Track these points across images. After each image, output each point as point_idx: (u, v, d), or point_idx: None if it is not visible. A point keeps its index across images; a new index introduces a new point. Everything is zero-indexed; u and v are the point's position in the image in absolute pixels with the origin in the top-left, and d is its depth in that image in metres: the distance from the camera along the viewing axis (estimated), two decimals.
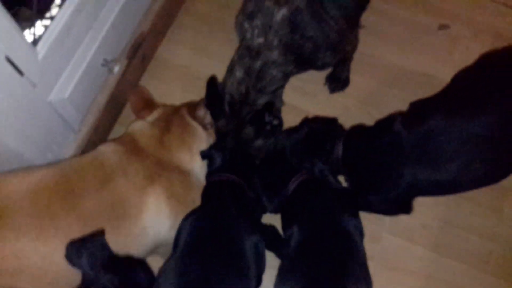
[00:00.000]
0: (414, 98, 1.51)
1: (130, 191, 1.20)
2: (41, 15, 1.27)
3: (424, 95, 1.51)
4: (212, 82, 1.52)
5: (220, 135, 1.55)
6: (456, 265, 1.65)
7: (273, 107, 1.53)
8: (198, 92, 1.66)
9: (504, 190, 1.74)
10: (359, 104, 1.88)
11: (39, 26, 1.27)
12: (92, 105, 1.61)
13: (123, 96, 1.79)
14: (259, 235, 1.27)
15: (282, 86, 1.55)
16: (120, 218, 1.18)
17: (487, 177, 1.38)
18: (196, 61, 1.97)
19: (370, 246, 1.67)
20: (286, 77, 1.53)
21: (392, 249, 1.68)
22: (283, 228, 1.43)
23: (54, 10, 1.31)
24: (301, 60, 1.50)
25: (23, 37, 1.16)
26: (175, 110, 1.49)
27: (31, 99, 1.29)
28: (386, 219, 1.71)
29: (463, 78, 1.49)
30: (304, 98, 1.88)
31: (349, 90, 1.90)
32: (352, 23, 1.60)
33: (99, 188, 1.18)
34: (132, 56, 1.72)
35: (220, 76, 1.74)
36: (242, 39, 1.50)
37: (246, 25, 1.47)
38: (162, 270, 1.18)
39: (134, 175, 1.22)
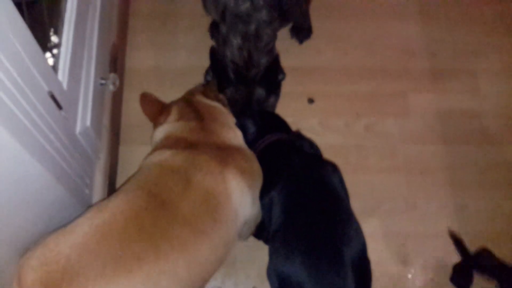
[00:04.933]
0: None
1: (212, 180, 1.20)
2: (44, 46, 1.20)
3: None
4: (213, 53, 1.54)
5: (233, 103, 1.58)
6: (464, 148, 1.87)
7: (279, 62, 1.60)
8: (180, 85, 1.73)
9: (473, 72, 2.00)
10: (328, 42, 2.01)
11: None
12: (102, 129, 1.55)
13: (118, 115, 1.74)
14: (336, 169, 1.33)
15: (274, 44, 1.62)
16: (215, 208, 1.17)
17: None
18: (162, 58, 1.97)
19: (392, 161, 1.84)
20: (275, 34, 1.60)
21: (411, 156, 1.84)
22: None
23: (53, 37, 1.24)
24: (283, 14, 1.59)
25: (52, 70, 1.10)
26: (190, 100, 1.46)
27: (67, 134, 1.22)
28: (395, 133, 1.86)
29: None
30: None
31: (314, 35, 2.01)
32: None
33: (185, 190, 1.16)
34: (114, 71, 1.66)
35: (190, 60, 1.90)
36: (223, 11, 1.53)
37: None
38: (277, 246, 1.19)
39: (207, 165, 1.21)
